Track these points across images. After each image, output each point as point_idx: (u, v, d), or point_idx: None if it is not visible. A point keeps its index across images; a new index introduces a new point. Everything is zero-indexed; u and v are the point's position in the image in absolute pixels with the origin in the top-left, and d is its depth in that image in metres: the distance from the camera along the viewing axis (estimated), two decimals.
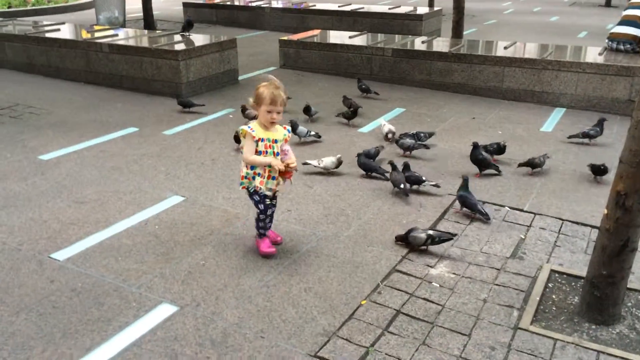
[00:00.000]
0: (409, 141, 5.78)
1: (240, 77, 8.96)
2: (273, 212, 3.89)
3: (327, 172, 5.33)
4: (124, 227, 4.32)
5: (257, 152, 3.61)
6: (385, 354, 3.00)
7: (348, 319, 3.28)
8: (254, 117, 4.31)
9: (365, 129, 6.65)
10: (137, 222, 4.39)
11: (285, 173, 3.63)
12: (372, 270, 3.78)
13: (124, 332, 3.13)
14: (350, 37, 9.74)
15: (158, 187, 5.05)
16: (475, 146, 5.31)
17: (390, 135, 6.11)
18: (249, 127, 3.61)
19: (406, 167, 4.99)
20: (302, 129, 6.14)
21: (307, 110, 6.85)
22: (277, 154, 3.64)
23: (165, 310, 3.33)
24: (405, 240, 4.03)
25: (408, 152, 5.81)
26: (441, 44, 9.27)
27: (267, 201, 3.76)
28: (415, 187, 4.97)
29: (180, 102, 7.27)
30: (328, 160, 5.29)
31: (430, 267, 3.83)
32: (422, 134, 6.01)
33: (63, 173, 5.32)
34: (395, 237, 4.10)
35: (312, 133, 6.18)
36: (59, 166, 5.48)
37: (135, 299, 3.44)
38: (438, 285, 3.62)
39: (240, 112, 6.89)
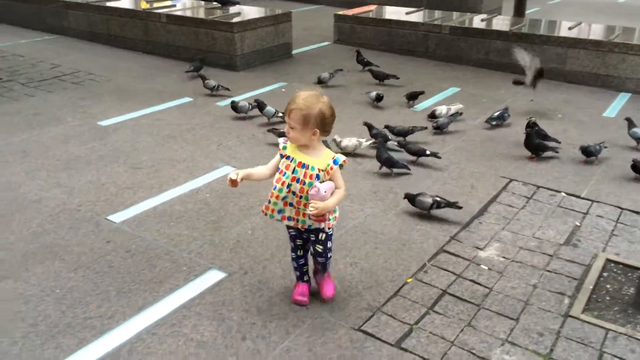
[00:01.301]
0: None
1: (294, 51, 8.95)
2: (298, 254, 3.12)
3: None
4: (177, 194, 4.43)
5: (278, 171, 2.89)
6: (429, 332, 2.99)
7: (393, 296, 3.28)
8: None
9: (419, 107, 6.54)
10: (189, 190, 4.49)
11: (318, 215, 2.77)
12: (419, 249, 3.75)
13: (175, 294, 3.23)
14: (406, 14, 9.55)
15: (210, 156, 5.14)
16: (530, 125, 5.20)
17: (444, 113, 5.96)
18: (284, 139, 2.93)
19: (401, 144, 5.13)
20: (269, 108, 5.82)
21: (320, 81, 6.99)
22: (304, 182, 2.78)
23: (214, 276, 3.40)
24: (412, 202, 4.15)
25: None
26: (501, 23, 8.97)
27: (291, 231, 3.07)
28: (415, 158, 5.07)
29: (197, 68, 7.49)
30: (349, 141, 5.17)
31: (479, 249, 3.77)
32: (506, 114, 5.98)
33: (120, 139, 5.48)
34: (405, 195, 4.20)
35: (280, 114, 5.77)
36: (116, 132, 5.65)
37: (186, 263, 3.53)
38: (487, 268, 3.56)
39: (292, 86, 6.91)
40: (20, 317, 3.01)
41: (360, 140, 5.17)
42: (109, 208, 4.18)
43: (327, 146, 3.39)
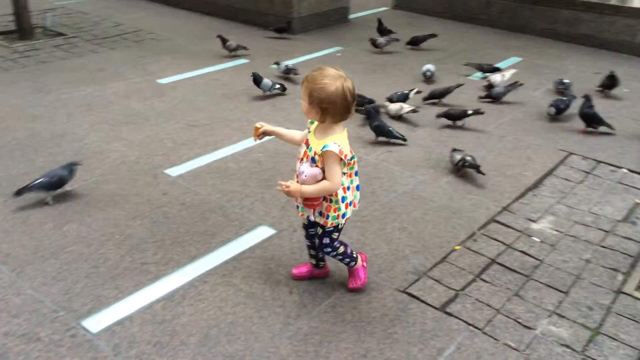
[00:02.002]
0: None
1: (350, 16, 8.84)
2: (308, 244, 3.02)
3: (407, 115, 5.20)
4: (231, 152, 4.52)
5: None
6: (475, 299, 2.98)
7: (440, 262, 3.28)
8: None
9: (476, 76, 6.38)
10: (243, 149, 4.57)
11: (306, 200, 2.66)
12: (469, 218, 3.71)
13: (226, 246, 3.33)
14: None
15: (264, 118, 5.18)
16: (587, 98, 5.01)
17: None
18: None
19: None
20: (266, 81, 5.59)
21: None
22: (299, 159, 2.69)
23: (263, 232, 3.49)
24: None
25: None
26: None
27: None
28: (461, 122, 5.06)
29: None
30: (393, 105, 5.15)
31: (532, 221, 3.70)
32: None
33: (178, 97, 5.61)
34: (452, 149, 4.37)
35: (277, 86, 5.63)
36: (174, 90, 5.78)
37: (237, 218, 3.63)
38: (539, 240, 3.50)
39: (348, 51, 6.85)
40: (83, 259, 3.19)
41: (403, 105, 5.12)
42: (166, 162, 4.32)
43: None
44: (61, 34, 7.50)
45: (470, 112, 4.96)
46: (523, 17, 8.18)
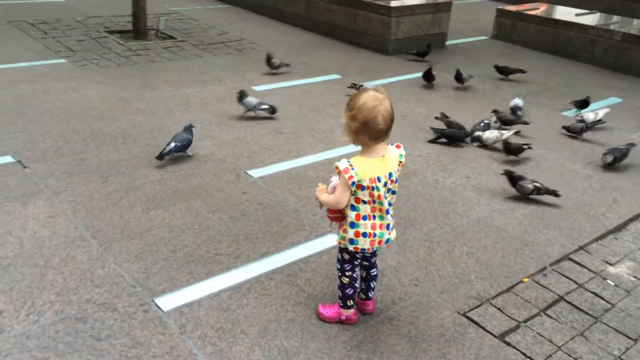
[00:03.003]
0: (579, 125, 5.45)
1: (448, 42, 8.85)
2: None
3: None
4: (312, 160, 4.69)
5: None
6: (537, 332, 2.92)
7: (505, 291, 3.24)
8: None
9: (569, 113, 6.20)
10: (324, 159, 4.73)
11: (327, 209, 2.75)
12: (542, 252, 3.63)
13: (295, 248, 3.47)
14: (576, 15, 8.98)
15: None
16: None
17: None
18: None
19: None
20: (251, 99, 5.35)
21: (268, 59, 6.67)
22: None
23: (332, 240, 3.57)
24: (512, 183, 4.25)
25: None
26: None
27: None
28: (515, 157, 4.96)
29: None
30: (491, 134, 5.10)
31: (610, 264, 3.56)
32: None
33: (270, 104, 5.87)
34: (505, 171, 4.31)
35: (265, 106, 5.35)
36: (267, 98, 6.04)
37: (309, 223, 3.76)
38: (613, 284, 3.37)
39: (440, 76, 6.87)
40: (164, 243, 3.44)
41: (502, 132, 5.07)
42: (249, 163, 4.55)
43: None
44: (171, 37, 8.07)
45: (525, 147, 4.92)
46: (628, 57, 7.84)
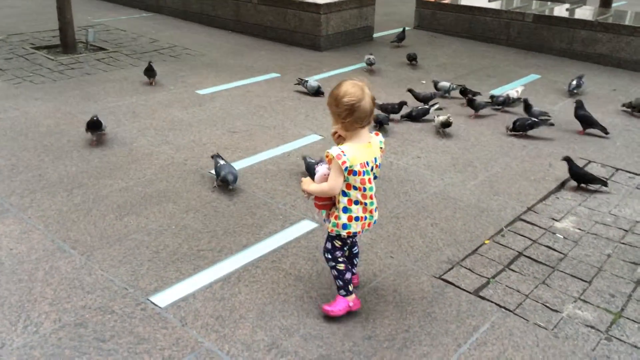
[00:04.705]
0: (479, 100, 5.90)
1: (374, 35, 9.22)
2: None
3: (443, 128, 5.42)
4: (270, 155, 4.84)
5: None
6: (506, 285, 3.25)
7: (471, 253, 3.55)
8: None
9: (496, 91, 6.69)
10: (281, 153, 4.89)
11: (315, 198, 2.84)
12: (496, 216, 3.99)
13: (273, 237, 3.63)
14: (490, 1, 9.60)
15: (298, 125, 5.53)
16: (579, 106, 5.53)
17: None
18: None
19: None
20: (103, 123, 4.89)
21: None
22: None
23: (306, 225, 3.78)
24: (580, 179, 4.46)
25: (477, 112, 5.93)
26: (587, 13, 8.89)
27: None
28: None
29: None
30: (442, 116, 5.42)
31: (556, 220, 3.96)
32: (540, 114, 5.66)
33: (217, 106, 5.96)
34: (565, 157, 4.51)
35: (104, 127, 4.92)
36: (213, 100, 6.14)
37: (282, 213, 3.93)
38: (562, 237, 3.76)
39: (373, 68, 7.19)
40: (145, 245, 3.50)
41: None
42: (211, 164, 4.63)
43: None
44: (102, 49, 7.93)
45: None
46: (541, 37, 8.51)
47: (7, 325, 2.77)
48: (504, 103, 6.00)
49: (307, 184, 2.79)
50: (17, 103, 5.76)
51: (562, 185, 4.47)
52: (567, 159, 4.45)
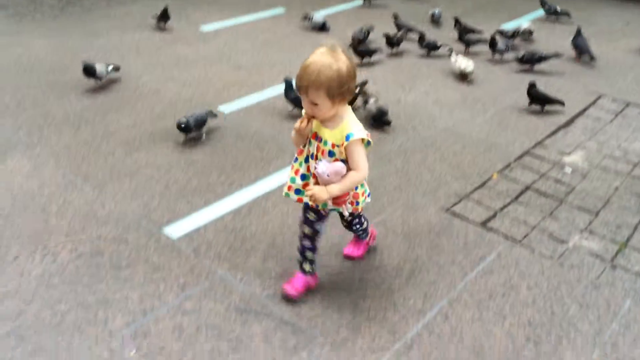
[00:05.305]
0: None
1: None
2: (304, 232, 2.62)
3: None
4: (277, 92, 4.78)
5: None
6: (513, 217, 3.28)
7: (479, 187, 3.57)
8: None
9: (506, 25, 6.53)
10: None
11: (334, 199, 2.37)
12: (505, 151, 3.98)
13: (283, 170, 3.64)
14: None
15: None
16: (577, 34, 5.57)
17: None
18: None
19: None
20: (100, 67, 4.60)
21: None
22: (313, 156, 2.36)
23: None
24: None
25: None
26: None
27: (308, 214, 2.57)
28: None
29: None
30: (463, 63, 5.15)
31: (565, 154, 3.96)
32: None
33: (222, 43, 5.86)
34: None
35: (110, 67, 4.71)
36: (218, 36, 6.03)
37: (290, 148, 3.91)
38: (570, 171, 3.77)
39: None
40: (155, 180, 3.53)
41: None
42: (217, 100, 4.61)
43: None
44: None
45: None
46: None
47: (26, 255, 2.84)
48: (513, 35, 5.86)
49: (324, 191, 2.27)
50: (20, 39, 5.67)
51: (572, 120, 4.44)
52: (532, 84, 4.53)
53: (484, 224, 3.23)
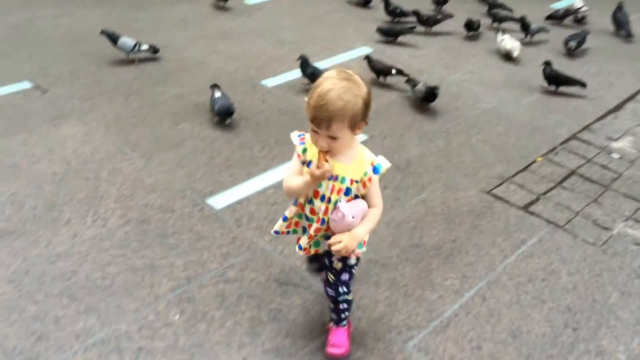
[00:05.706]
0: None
1: None
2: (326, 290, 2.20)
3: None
4: (320, 67, 4.80)
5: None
6: (556, 202, 3.24)
7: (522, 170, 3.53)
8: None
9: (556, 5, 6.34)
10: (330, 65, 4.84)
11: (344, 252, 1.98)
12: (551, 134, 3.91)
13: None
14: None
15: (348, 38, 5.43)
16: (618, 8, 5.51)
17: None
18: (299, 135, 2.13)
19: None
20: (125, 40, 4.61)
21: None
22: (329, 200, 1.97)
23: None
24: None
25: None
26: None
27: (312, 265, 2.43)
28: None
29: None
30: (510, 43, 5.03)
31: (613, 140, 3.87)
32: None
33: (265, 17, 5.88)
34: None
35: (144, 47, 4.68)
36: (262, 10, 6.05)
37: None
38: (618, 157, 3.68)
39: None
40: (200, 151, 3.61)
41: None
42: (261, 74, 4.65)
43: None
44: None
45: (394, 71, 4.47)
46: None
47: (77, 219, 2.97)
48: (564, 16, 5.71)
49: (354, 238, 1.95)
50: (69, 10, 5.81)
51: (622, 104, 4.32)
52: (547, 62, 4.42)
53: (526, 207, 3.20)
